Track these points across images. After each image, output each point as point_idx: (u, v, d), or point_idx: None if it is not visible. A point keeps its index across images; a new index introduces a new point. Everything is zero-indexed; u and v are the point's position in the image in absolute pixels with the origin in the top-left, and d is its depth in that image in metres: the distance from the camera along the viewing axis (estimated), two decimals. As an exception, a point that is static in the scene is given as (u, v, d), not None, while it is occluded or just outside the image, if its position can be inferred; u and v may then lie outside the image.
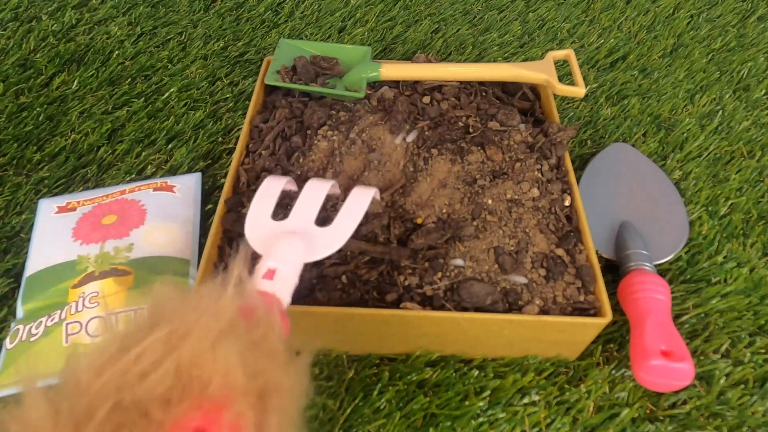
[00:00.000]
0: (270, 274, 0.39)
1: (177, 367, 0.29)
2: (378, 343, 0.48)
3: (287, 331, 0.37)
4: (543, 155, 0.56)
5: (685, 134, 0.70)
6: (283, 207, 0.50)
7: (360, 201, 0.46)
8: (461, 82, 0.64)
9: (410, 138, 0.58)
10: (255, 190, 0.53)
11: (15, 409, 0.28)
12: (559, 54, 0.64)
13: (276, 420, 0.31)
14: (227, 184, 0.53)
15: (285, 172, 0.55)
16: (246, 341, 0.31)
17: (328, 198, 0.50)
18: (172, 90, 0.72)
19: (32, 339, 0.48)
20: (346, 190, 0.52)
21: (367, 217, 0.50)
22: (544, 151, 0.57)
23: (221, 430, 0.29)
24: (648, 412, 0.47)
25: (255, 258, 0.41)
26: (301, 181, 0.51)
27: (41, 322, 0.49)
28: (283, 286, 0.39)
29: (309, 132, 0.58)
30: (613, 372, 0.49)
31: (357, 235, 0.49)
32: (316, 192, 0.47)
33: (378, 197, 0.50)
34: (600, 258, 0.57)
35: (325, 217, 0.49)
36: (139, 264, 0.52)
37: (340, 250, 0.47)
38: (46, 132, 0.67)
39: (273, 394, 0.31)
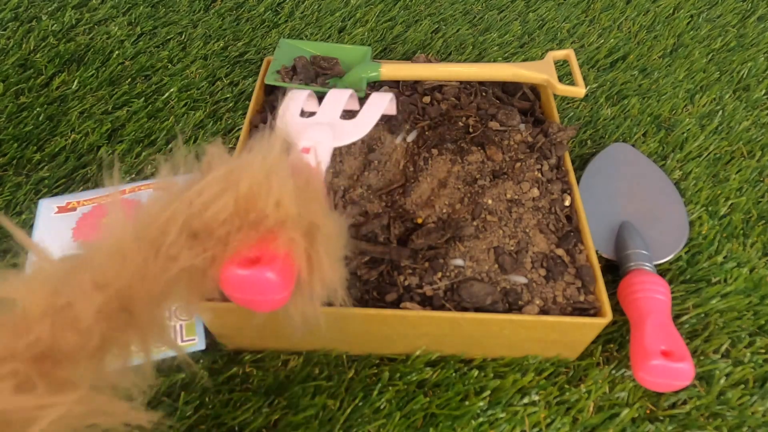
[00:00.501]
0: (306, 150, 0.45)
1: (236, 198, 0.33)
2: (378, 343, 0.48)
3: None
4: (543, 155, 0.56)
5: (685, 134, 0.70)
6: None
7: (379, 102, 0.52)
8: (461, 82, 0.63)
9: (410, 138, 0.58)
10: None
11: (101, 234, 0.32)
12: (559, 54, 0.64)
13: (322, 247, 0.34)
14: (227, 184, 0.53)
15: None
16: (294, 183, 0.35)
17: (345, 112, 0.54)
18: (172, 90, 0.72)
19: (32, 339, 0.48)
20: (345, 190, 0.53)
21: (368, 217, 0.50)
22: (544, 151, 0.57)
23: (275, 255, 0.33)
24: (648, 412, 0.47)
25: None
26: None
27: (41, 322, 0.49)
28: (319, 158, 0.44)
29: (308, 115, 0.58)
30: (613, 372, 0.49)
31: (357, 235, 0.49)
32: (339, 95, 0.53)
33: (394, 103, 0.56)
34: (600, 258, 0.57)
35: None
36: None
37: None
38: (46, 132, 0.67)
39: (318, 228, 0.35)
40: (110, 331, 0.31)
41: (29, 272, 0.31)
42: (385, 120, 0.58)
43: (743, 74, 0.79)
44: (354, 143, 0.56)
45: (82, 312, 0.29)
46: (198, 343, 0.48)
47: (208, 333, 0.50)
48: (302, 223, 0.34)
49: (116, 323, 0.31)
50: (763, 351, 0.51)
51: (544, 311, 0.46)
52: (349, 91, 0.53)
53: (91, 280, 0.30)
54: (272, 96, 0.64)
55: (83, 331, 0.29)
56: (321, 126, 0.49)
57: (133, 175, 0.63)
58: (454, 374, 0.48)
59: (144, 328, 0.32)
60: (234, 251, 0.33)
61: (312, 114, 0.52)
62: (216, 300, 0.47)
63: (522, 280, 0.48)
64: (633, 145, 0.68)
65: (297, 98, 0.53)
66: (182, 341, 0.48)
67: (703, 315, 0.53)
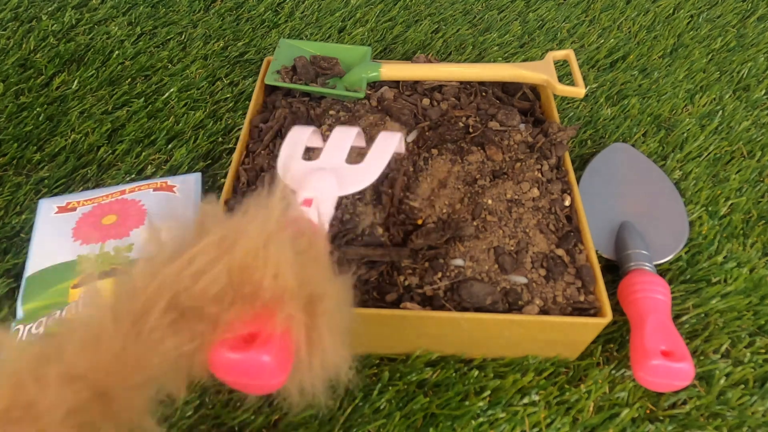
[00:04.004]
0: (308, 203, 0.41)
1: (229, 269, 0.30)
2: (378, 343, 0.48)
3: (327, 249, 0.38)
4: (543, 155, 0.56)
5: (685, 134, 0.70)
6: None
7: (387, 143, 0.49)
8: (461, 82, 0.64)
9: (410, 138, 0.58)
10: (255, 190, 0.53)
11: (76, 311, 0.29)
12: (559, 54, 0.64)
13: (325, 324, 0.31)
14: (227, 184, 0.53)
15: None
16: (293, 248, 0.32)
17: (352, 149, 0.51)
18: (172, 90, 0.72)
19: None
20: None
21: (369, 225, 0.50)
22: (544, 151, 0.57)
23: (272, 333, 0.30)
24: (648, 412, 0.47)
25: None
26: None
27: (41, 322, 0.49)
28: (321, 213, 0.41)
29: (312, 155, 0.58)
30: (613, 372, 0.49)
31: (356, 240, 0.49)
32: (344, 135, 0.50)
33: (403, 142, 0.53)
34: (600, 258, 0.57)
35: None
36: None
37: (340, 258, 0.47)
38: (46, 132, 0.67)
39: (321, 300, 0.32)
40: (81, 426, 0.27)
41: None
42: (385, 121, 0.58)
43: (743, 74, 0.79)
44: (353, 143, 0.56)
45: (48, 413, 0.26)
46: (198, 343, 0.48)
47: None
48: (303, 295, 0.31)
49: (88, 416, 0.28)
50: (763, 351, 0.51)
51: (544, 311, 0.46)
52: (356, 130, 0.51)
53: (59, 373, 0.27)
54: (272, 96, 0.64)
55: None
56: (324, 174, 0.45)
57: (133, 175, 0.63)
58: (454, 374, 0.48)
59: (122, 417, 0.29)
60: (226, 329, 0.30)
61: (317, 152, 0.50)
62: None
63: (522, 280, 0.48)
64: (633, 145, 0.68)
65: (299, 137, 0.49)
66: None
67: (703, 315, 0.53)
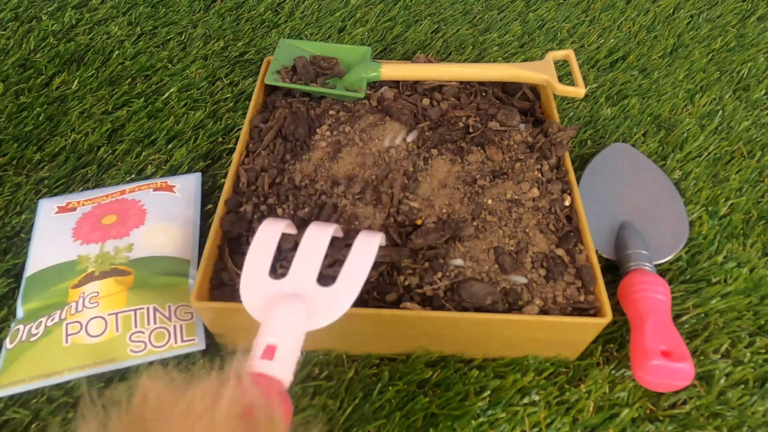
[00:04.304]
0: (270, 352, 0.36)
1: None
2: (378, 343, 0.48)
3: (290, 417, 0.35)
4: (543, 155, 0.56)
5: (685, 134, 0.70)
6: (280, 256, 0.48)
7: (366, 251, 0.42)
8: (461, 82, 0.64)
9: (410, 138, 0.58)
10: (255, 191, 0.53)
11: None
12: (559, 54, 0.64)
13: None
14: (227, 184, 0.53)
15: (284, 172, 0.55)
16: None
17: (332, 241, 0.45)
18: (172, 90, 0.72)
19: (32, 339, 0.48)
20: (345, 190, 0.52)
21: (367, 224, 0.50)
22: (544, 151, 0.57)
23: None
24: (648, 412, 0.47)
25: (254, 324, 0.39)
26: (297, 225, 0.48)
27: (41, 322, 0.49)
28: (285, 364, 0.36)
29: (309, 132, 0.58)
30: (613, 372, 0.49)
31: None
32: (316, 242, 0.43)
33: (383, 242, 0.46)
34: (600, 258, 0.57)
35: (330, 263, 0.47)
36: (139, 264, 0.52)
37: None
38: (46, 132, 0.67)
39: None
40: None
41: None
42: (386, 121, 0.58)
43: (743, 74, 0.79)
44: (354, 143, 0.56)
45: None
46: (198, 343, 0.48)
47: (208, 333, 0.50)
48: None
49: None
50: (763, 351, 0.51)
51: (544, 311, 0.46)
52: (332, 227, 0.44)
53: None
54: (272, 96, 0.64)
55: None
56: (291, 307, 0.39)
57: (133, 175, 0.63)
58: (454, 374, 0.48)
59: None
60: None
61: (292, 239, 0.46)
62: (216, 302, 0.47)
63: (522, 280, 0.48)
64: (633, 145, 0.68)
65: (266, 245, 0.43)
66: (182, 341, 0.48)
67: (703, 315, 0.53)
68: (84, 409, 0.29)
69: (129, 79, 0.74)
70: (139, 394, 0.30)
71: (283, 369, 0.36)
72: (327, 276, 0.45)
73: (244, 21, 0.84)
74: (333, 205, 0.51)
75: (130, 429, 0.28)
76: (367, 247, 0.42)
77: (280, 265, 0.47)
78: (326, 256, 0.45)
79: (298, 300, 0.40)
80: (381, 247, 0.49)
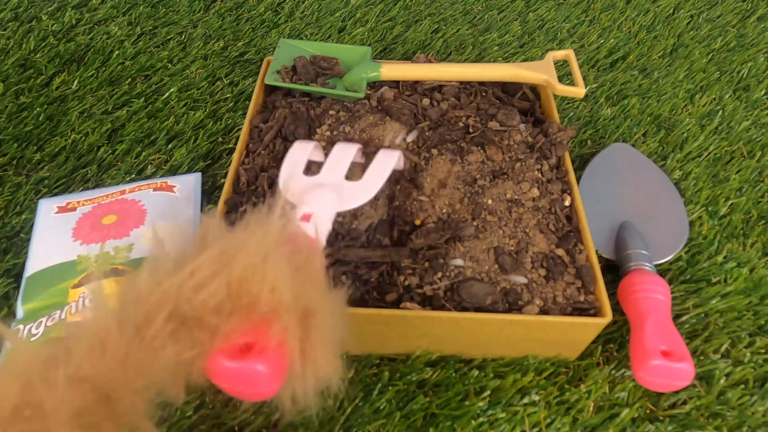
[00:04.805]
0: (306, 218, 0.42)
1: (228, 282, 0.31)
2: (378, 343, 0.48)
3: (324, 264, 0.38)
4: (543, 155, 0.56)
5: (685, 134, 0.70)
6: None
7: (386, 161, 0.50)
8: (461, 82, 0.64)
9: (410, 138, 0.58)
10: (255, 191, 0.53)
11: (81, 318, 0.31)
12: (559, 54, 0.64)
13: (318, 337, 0.33)
14: (227, 184, 0.53)
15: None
16: (290, 264, 0.33)
17: (352, 164, 0.52)
18: (172, 90, 0.72)
19: (32, 339, 0.48)
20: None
21: (370, 228, 0.50)
22: (544, 151, 0.57)
23: (268, 343, 0.31)
24: (648, 412, 0.47)
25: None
26: None
27: (41, 322, 0.49)
28: (319, 229, 0.41)
29: (309, 132, 0.58)
30: (613, 372, 0.49)
31: (357, 243, 0.49)
32: (344, 152, 0.51)
33: (402, 159, 0.53)
34: (600, 258, 0.57)
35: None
36: (140, 264, 0.52)
37: (341, 259, 0.47)
38: (46, 132, 0.67)
39: (315, 314, 0.33)
40: (85, 426, 0.29)
41: (2, 360, 0.30)
42: (386, 121, 0.58)
43: (743, 74, 0.79)
44: (353, 140, 0.56)
45: (54, 414, 0.28)
46: (198, 343, 0.48)
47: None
48: (298, 309, 0.32)
49: (92, 417, 0.29)
50: (763, 351, 0.51)
51: (544, 311, 0.46)
52: (356, 146, 0.52)
53: (66, 375, 0.29)
54: (272, 96, 0.64)
55: None
56: (324, 189, 0.46)
57: (133, 175, 0.63)
58: (454, 374, 0.48)
59: (124, 419, 0.31)
60: (223, 338, 0.31)
61: (317, 166, 0.51)
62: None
63: (522, 280, 0.48)
64: (633, 145, 0.68)
65: (301, 153, 0.51)
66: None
67: (703, 315, 0.53)
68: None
69: (129, 79, 0.74)
70: (200, 226, 0.35)
71: (318, 232, 0.41)
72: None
73: (244, 21, 0.84)
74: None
75: (195, 246, 0.33)
76: (386, 157, 0.50)
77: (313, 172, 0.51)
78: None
79: (329, 187, 0.47)
80: (383, 247, 0.49)
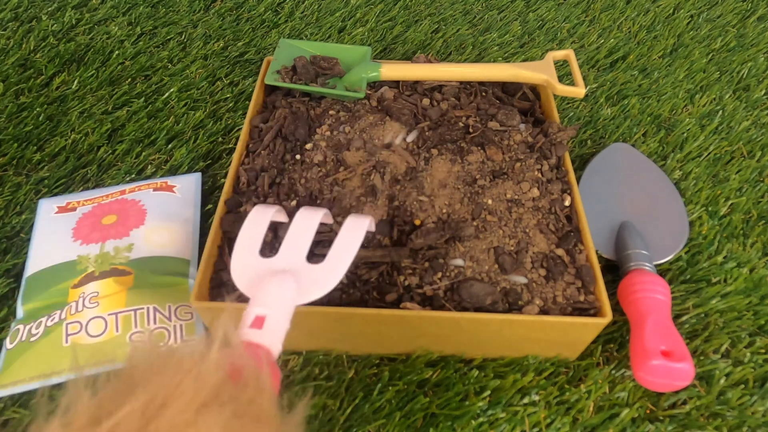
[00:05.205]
0: (259, 322, 0.36)
1: None
2: (378, 343, 0.48)
3: (278, 384, 0.35)
4: (543, 155, 0.56)
5: (685, 134, 0.70)
6: (271, 241, 0.49)
7: (354, 233, 0.43)
8: (461, 82, 0.64)
9: (410, 138, 0.58)
10: (255, 191, 0.53)
11: None
12: (559, 54, 0.64)
13: None
14: (227, 184, 0.53)
15: (284, 172, 0.55)
16: (232, 409, 0.29)
17: (321, 227, 0.47)
18: (172, 90, 0.72)
19: (32, 339, 0.48)
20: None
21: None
22: (544, 151, 0.57)
23: None
24: (648, 412, 0.47)
25: (242, 298, 0.39)
26: (291, 209, 0.49)
27: (41, 322, 0.49)
28: (273, 334, 0.36)
29: (309, 132, 0.58)
30: (613, 372, 0.49)
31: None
32: (306, 224, 0.44)
33: (373, 227, 0.47)
34: (600, 258, 0.57)
35: (320, 244, 0.47)
36: (139, 264, 0.52)
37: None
38: (46, 132, 0.67)
39: None
40: None
41: None
42: (386, 121, 0.58)
43: (743, 74, 0.79)
44: (354, 143, 0.56)
45: None
46: (198, 343, 0.48)
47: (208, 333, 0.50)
48: None
49: None
50: (763, 351, 0.51)
51: (544, 311, 0.46)
52: (321, 212, 0.45)
53: None
54: (272, 96, 0.64)
55: None
56: (281, 280, 0.40)
57: (133, 175, 0.63)
58: (454, 374, 0.48)
59: None
60: None
61: (281, 225, 0.47)
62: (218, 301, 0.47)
63: (522, 280, 0.48)
64: (633, 145, 0.68)
65: (261, 219, 0.44)
66: (182, 341, 0.48)
67: (703, 315, 0.53)
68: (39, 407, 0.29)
69: (129, 79, 0.74)
70: (127, 358, 0.30)
71: (273, 338, 0.36)
72: (317, 255, 0.46)
73: (244, 21, 0.84)
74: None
75: (118, 391, 0.29)
76: (355, 229, 0.43)
77: (271, 247, 0.47)
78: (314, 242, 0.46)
79: (288, 275, 0.40)
80: (383, 247, 0.49)
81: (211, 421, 0.27)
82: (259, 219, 0.45)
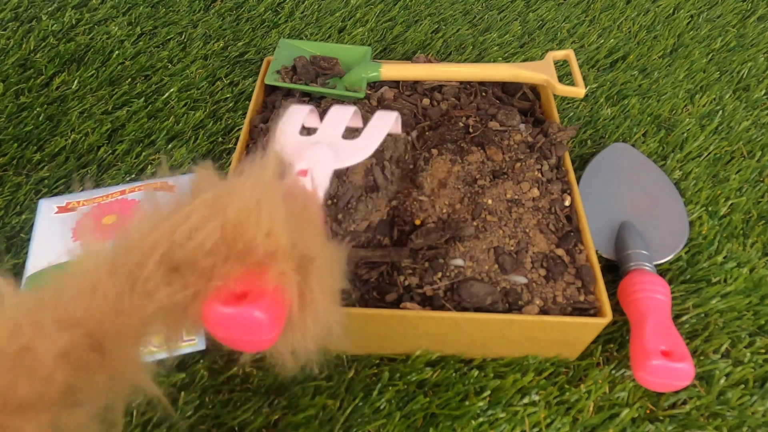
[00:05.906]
0: (303, 173, 0.41)
1: (223, 225, 0.30)
2: (378, 343, 0.48)
3: (322, 214, 0.38)
4: (543, 155, 0.56)
5: (685, 134, 0.70)
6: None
7: (383, 121, 0.49)
8: (461, 82, 0.64)
9: (410, 138, 0.58)
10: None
11: (74, 264, 0.30)
12: (559, 54, 0.64)
13: (317, 283, 0.32)
14: (227, 184, 0.53)
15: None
16: (286, 209, 0.32)
17: (348, 128, 0.52)
18: (172, 90, 0.72)
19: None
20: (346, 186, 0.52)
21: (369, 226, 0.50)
22: (544, 151, 0.57)
23: (265, 289, 0.30)
24: (648, 412, 0.47)
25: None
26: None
27: (41, 322, 0.49)
28: (316, 183, 0.41)
29: (309, 132, 0.58)
30: (613, 372, 0.49)
31: (357, 242, 0.49)
32: (342, 111, 0.51)
33: (399, 122, 0.53)
34: (600, 258, 0.57)
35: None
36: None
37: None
38: (46, 132, 0.67)
39: (313, 260, 0.32)
40: (77, 375, 0.28)
41: None
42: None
43: (743, 74, 0.79)
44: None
45: (43, 357, 0.27)
46: (198, 343, 0.48)
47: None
48: (295, 254, 0.31)
49: (84, 366, 0.28)
50: (763, 351, 0.51)
51: (544, 311, 0.46)
52: (353, 108, 0.51)
53: (55, 318, 0.28)
54: (272, 96, 0.64)
55: (43, 379, 0.26)
56: (321, 146, 0.46)
57: (134, 175, 0.63)
58: (454, 374, 0.48)
59: (117, 370, 0.30)
60: (218, 285, 0.30)
61: (313, 130, 0.50)
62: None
63: (522, 280, 0.48)
64: (633, 145, 0.68)
65: (297, 113, 0.50)
66: (182, 341, 0.48)
67: (703, 315, 0.53)
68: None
69: (129, 79, 0.74)
70: (195, 176, 0.34)
71: (314, 185, 0.41)
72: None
73: (244, 21, 0.84)
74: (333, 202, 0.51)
75: (189, 194, 0.32)
76: (384, 117, 0.50)
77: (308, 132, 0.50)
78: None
79: (327, 145, 0.47)
80: (383, 248, 0.49)
81: (271, 210, 0.31)
82: (295, 113, 0.51)
